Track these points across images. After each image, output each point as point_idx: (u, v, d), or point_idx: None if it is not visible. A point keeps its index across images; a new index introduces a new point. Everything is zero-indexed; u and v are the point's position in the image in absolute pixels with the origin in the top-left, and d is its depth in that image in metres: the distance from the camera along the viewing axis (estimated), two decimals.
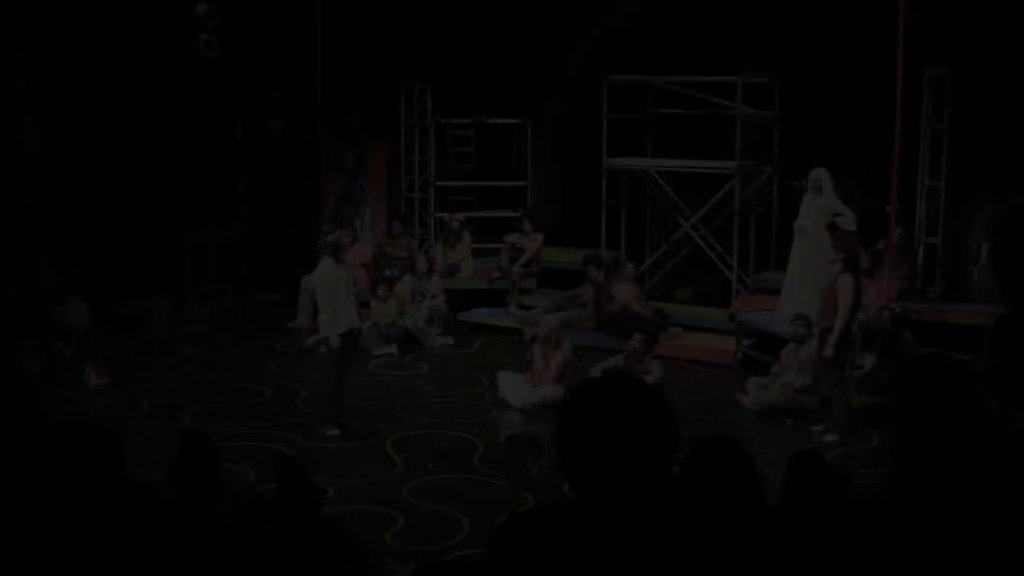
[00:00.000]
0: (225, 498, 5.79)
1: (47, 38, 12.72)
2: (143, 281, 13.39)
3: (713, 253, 13.11)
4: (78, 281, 12.24)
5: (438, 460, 8.98)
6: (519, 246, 13.90)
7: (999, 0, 11.35)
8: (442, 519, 7.81)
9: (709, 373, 11.56)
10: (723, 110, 12.80)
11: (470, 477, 8.69)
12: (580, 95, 15.18)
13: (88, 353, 11.02)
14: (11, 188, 12.72)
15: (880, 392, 9.81)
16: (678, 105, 13.50)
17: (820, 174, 11.49)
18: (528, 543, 2.11)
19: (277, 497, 6.40)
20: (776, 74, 12.96)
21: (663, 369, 10.76)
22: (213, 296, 14.13)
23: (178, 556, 3.89)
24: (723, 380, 11.01)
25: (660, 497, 2.11)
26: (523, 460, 8.35)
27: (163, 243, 13.66)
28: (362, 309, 12.47)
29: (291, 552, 5.85)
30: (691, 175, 13.95)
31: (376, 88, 14.68)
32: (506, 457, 8.55)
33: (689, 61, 13.05)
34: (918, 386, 2.68)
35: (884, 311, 10.38)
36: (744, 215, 12.92)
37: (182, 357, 12.05)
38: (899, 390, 2.71)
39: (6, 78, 12.51)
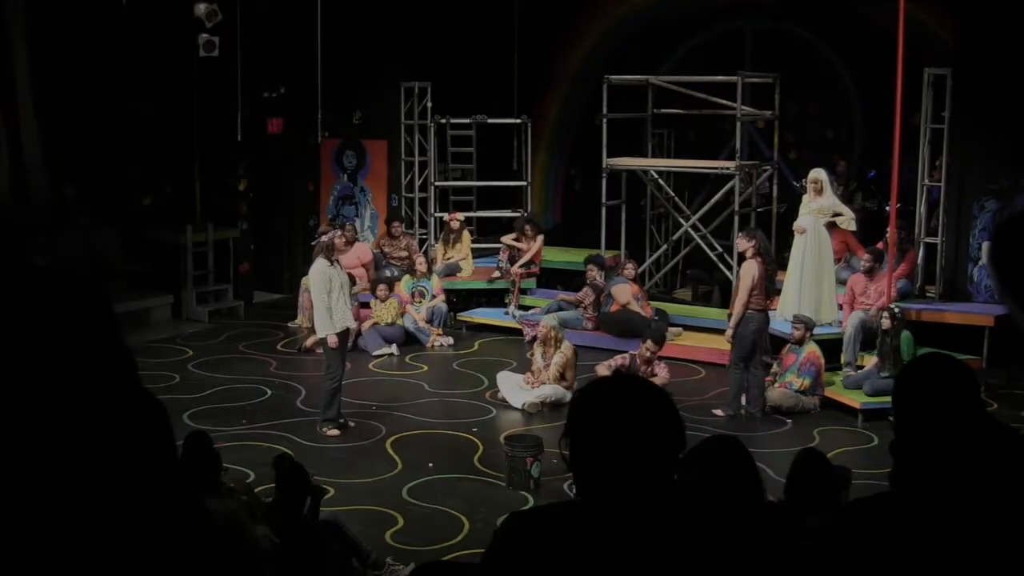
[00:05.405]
0: (225, 498, 5.79)
1: (48, 37, 12.73)
2: (143, 281, 13.39)
3: (713, 253, 13.10)
4: None
5: (438, 460, 8.98)
6: (515, 247, 13.85)
7: (999, 0, 11.35)
8: (442, 519, 7.81)
9: (709, 373, 11.56)
10: (723, 110, 12.79)
11: (470, 477, 8.69)
12: (580, 95, 15.19)
13: None
14: (11, 187, 12.72)
15: (880, 392, 9.83)
16: (678, 105, 13.49)
17: (820, 174, 11.48)
18: (528, 542, 2.11)
19: (277, 497, 6.41)
20: (776, 74, 12.94)
21: (669, 371, 10.78)
22: (213, 296, 14.13)
23: (178, 556, 3.89)
24: (723, 380, 11.00)
25: (663, 498, 2.11)
26: (523, 460, 8.35)
27: (163, 243, 13.66)
28: (362, 309, 12.50)
29: (290, 551, 5.86)
30: (691, 175, 13.94)
31: (376, 88, 14.69)
32: (506, 457, 8.54)
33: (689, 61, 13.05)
34: (918, 386, 2.67)
35: (884, 311, 10.38)
36: (744, 215, 12.92)
37: (182, 357, 12.06)
38: (899, 390, 2.71)
39: (7, 77, 12.51)
